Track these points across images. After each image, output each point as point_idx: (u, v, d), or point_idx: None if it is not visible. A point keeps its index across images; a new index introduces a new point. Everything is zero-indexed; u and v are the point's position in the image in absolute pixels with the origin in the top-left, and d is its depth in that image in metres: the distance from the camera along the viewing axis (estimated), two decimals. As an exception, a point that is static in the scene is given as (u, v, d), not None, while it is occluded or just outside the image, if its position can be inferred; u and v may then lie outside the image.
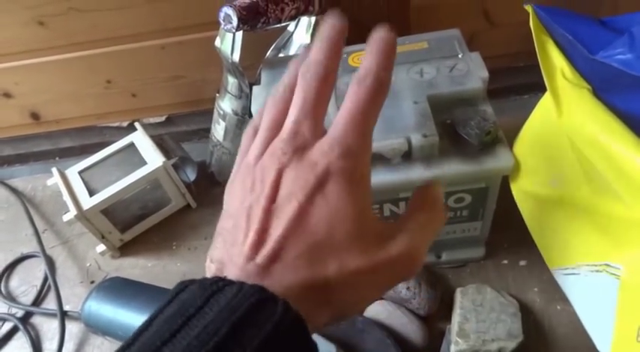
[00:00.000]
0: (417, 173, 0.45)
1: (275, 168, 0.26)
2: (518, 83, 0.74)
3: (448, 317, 0.52)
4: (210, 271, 0.27)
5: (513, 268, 0.56)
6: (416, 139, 0.44)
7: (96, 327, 0.52)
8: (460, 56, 0.50)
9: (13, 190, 0.78)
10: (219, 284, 0.23)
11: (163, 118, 0.78)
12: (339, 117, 0.26)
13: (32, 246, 0.70)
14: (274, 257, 0.25)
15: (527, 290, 0.54)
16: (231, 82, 0.57)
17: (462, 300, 0.52)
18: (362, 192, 0.26)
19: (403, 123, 0.45)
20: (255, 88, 0.51)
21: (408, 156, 0.45)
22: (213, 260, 0.27)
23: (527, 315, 0.52)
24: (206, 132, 0.79)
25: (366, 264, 0.25)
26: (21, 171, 0.82)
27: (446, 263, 0.57)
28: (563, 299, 0.52)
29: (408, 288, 0.52)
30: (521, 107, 0.74)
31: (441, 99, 0.47)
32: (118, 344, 0.55)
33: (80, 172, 0.65)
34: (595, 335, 0.31)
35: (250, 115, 0.59)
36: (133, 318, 0.49)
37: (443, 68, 0.49)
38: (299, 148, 0.26)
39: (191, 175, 0.69)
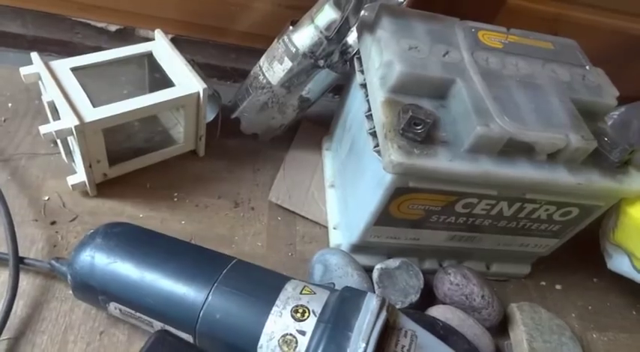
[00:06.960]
0: (561, 175, 0.41)
1: None
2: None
3: (502, 332, 0.49)
4: None
5: (551, 291, 0.56)
6: (575, 139, 0.40)
7: (103, 288, 0.36)
8: (587, 68, 0.48)
9: None
10: None
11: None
12: None
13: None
14: None
15: (567, 314, 0.54)
16: (329, 15, 0.47)
17: (522, 317, 0.49)
18: None
19: (557, 119, 0.41)
20: (383, 34, 0.42)
21: (553, 155, 0.41)
22: None
23: (574, 340, 0.51)
24: (219, 71, 0.65)
25: None
26: None
27: (492, 275, 0.54)
28: (598, 328, 0.54)
29: (482, 297, 0.47)
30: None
31: (579, 105, 0.44)
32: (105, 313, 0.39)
33: (73, 70, 0.46)
34: None
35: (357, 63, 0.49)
36: (167, 284, 0.35)
37: (575, 75, 0.46)
38: None
39: (209, 115, 0.55)
